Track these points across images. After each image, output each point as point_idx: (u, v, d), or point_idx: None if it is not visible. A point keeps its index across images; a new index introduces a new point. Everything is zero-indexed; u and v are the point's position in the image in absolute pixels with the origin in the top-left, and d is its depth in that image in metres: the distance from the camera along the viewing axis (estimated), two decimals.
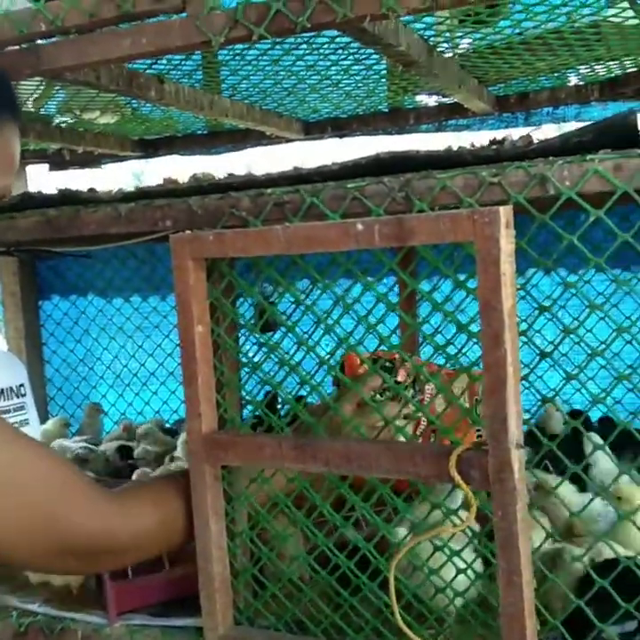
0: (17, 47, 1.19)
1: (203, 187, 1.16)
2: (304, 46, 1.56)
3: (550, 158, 0.93)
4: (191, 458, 1.08)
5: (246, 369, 1.16)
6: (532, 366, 1.07)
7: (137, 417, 2.40)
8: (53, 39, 1.17)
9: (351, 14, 0.96)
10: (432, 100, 1.96)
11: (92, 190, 1.30)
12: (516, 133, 2.14)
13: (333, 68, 1.69)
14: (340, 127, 2.12)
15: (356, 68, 1.68)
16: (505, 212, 0.85)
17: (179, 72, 1.63)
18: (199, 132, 2.26)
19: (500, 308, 0.85)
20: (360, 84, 1.82)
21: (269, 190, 1.08)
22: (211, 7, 1.05)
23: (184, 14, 1.08)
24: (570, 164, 0.91)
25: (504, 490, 0.88)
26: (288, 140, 2.20)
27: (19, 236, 1.24)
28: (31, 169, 2.46)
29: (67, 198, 1.21)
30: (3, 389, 2.14)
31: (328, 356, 1.12)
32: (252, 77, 1.70)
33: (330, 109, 2.06)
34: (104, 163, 2.49)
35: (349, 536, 1.10)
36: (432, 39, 1.37)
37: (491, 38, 1.42)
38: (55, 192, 1.24)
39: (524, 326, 1.17)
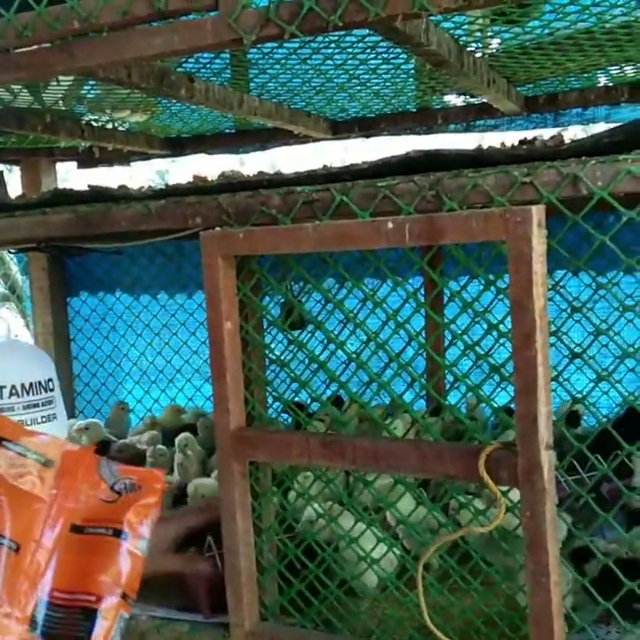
0: (49, 45, 1.20)
1: (232, 184, 1.16)
2: (333, 45, 1.56)
3: (582, 158, 0.93)
4: (219, 454, 1.09)
5: (273, 366, 1.16)
6: (560, 368, 1.06)
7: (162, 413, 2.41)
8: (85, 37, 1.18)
9: (383, 13, 0.96)
10: (460, 100, 1.95)
11: (122, 187, 1.31)
12: (544, 134, 2.13)
13: (362, 67, 1.69)
14: (367, 127, 2.11)
15: (384, 67, 1.67)
16: (537, 212, 0.85)
17: (207, 71, 1.64)
18: (227, 131, 2.27)
19: (532, 308, 0.85)
20: (388, 84, 1.82)
21: (299, 188, 1.08)
22: (243, 5, 1.05)
23: (216, 12, 1.08)
24: (602, 164, 0.90)
25: (533, 490, 0.88)
26: (315, 140, 2.20)
27: (50, 231, 1.25)
28: (60, 166, 2.49)
29: (98, 195, 1.22)
30: (31, 383, 2.16)
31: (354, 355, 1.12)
32: (280, 77, 1.71)
33: (357, 109, 2.05)
34: (132, 161, 2.51)
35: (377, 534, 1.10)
36: (462, 39, 1.36)
37: (521, 38, 1.41)
38: (86, 188, 1.25)
39: (553, 328, 1.16)
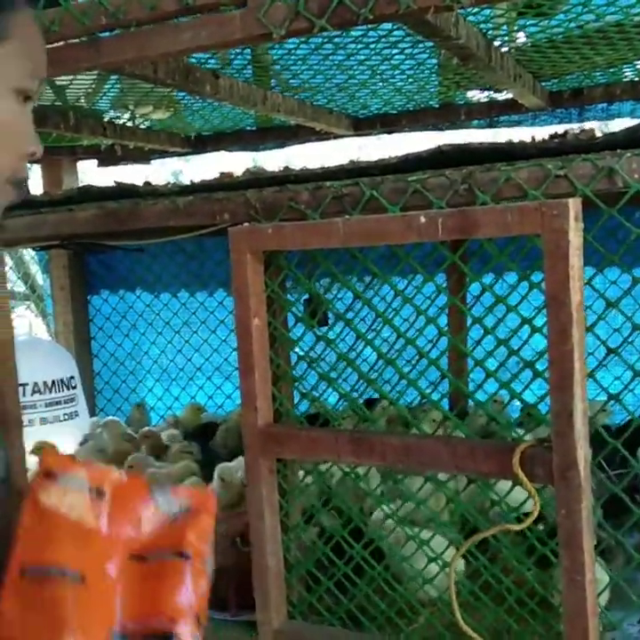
0: (77, 40, 1.19)
1: (259, 179, 1.16)
2: (356, 42, 1.56)
3: (617, 151, 0.92)
4: (247, 451, 1.08)
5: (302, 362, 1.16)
6: (599, 362, 1.05)
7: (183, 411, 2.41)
8: (114, 32, 1.18)
9: (414, 6, 0.95)
10: (484, 96, 1.94)
11: (148, 183, 1.31)
12: (569, 129, 2.11)
13: (385, 63, 1.68)
14: (389, 123, 2.10)
15: (407, 63, 1.66)
16: (574, 205, 0.83)
17: (231, 69, 1.63)
18: (247, 128, 2.27)
19: (569, 303, 0.83)
20: (411, 80, 1.81)
21: (328, 183, 1.07)
22: None
23: (244, 7, 1.07)
24: (638, 156, 0.89)
25: (569, 487, 0.86)
26: (336, 137, 2.19)
27: (77, 228, 1.25)
28: (81, 165, 2.49)
29: (125, 191, 1.22)
30: (54, 381, 2.17)
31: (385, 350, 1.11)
32: (302, 74, 1.70)
33: (379, 105, 2.04)
34: (153, 158, 2.51)
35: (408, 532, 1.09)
36: (490, 33, 1.35)
37: (550, 32, 1.40)
38: (112, 185, 1.25)
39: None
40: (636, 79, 1.86)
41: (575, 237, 0.83)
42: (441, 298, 1.88)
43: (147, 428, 2.08)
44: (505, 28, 1.39)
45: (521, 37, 1.47)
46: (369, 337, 1.14)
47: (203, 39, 1.11)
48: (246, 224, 1.07)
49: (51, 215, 1.27)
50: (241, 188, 1.15)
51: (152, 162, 2.54)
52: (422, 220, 0.92)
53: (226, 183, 1.18)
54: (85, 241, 1.46)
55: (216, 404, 2.42)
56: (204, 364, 2.40)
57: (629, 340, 1.30)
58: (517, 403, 1.81)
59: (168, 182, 1.23)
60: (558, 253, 0.83)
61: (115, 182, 1.24)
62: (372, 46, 1.57)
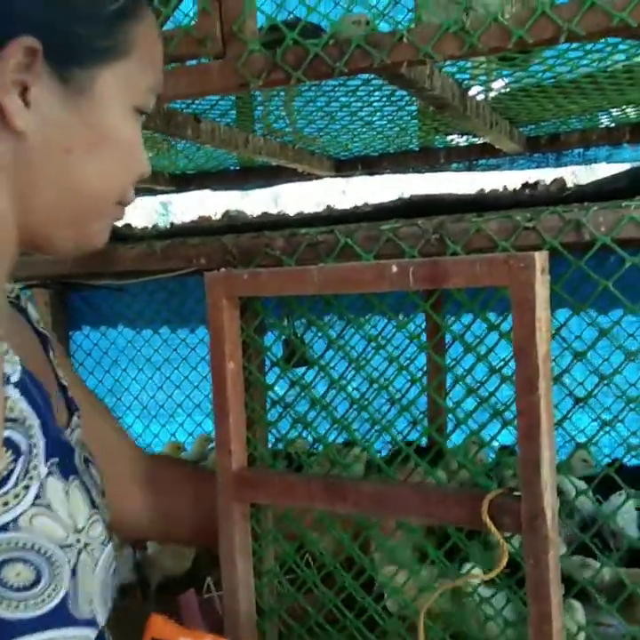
0: None
1: (237, 225, 1.17)
2: (338, 87, 1.59)
3: (585, 204, 0.94)
4: (220, 495, 1.08)
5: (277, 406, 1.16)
6: (565, 411, 1.06)
7: (163, 449, 2.41)
8: None
9: (388, 60, 0.97)
10: (463, 140, 1.97)
11: (127, 226, 1.32)
12: (546, 173, 2.15)
13: (366, 108, 1.71)
14: (370, 165, 2.13)
15: (388, 108, 1.70)
16: (540, 258, 0.85)
17: (214, 112, 1.66)
18: (231, 168, 2.29)
19: (535, 354, 0.85)
20: (391, 124, 1.84)
21: (303, 230, 1.09)
22: (250, 51, 1.07)
23: (223, 58, 1.10)
24: (605, 210, 0.91)
25: (536, 537, 0.87)
26: (318, 177, 2.22)
27: (56, 269, 1.26)
28: None
29: None
30: None
31: (357, 394, 1.12)
32: (285, 118, 1.73)
33: (360, 147, 2.08)
34: (138, 195, 2.52)
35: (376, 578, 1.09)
36: (465, 82, 1.38)
37: (524, 82, 1.43)
38: None
39: (556, 369, 1.17)
40: (612, 125, 1.90)
41: (542, 289, 0.85)
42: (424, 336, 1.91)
43: None
44: (482, 77, 1.43)
45: (497, 86, 1.51)
46: (354, 375, 1.15)
47: (182, 87, 1.13)
48: (223, 269, 1.08)
49: (31, 257, 1.27)
50: (218, 232, 1.17)
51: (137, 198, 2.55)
52: (394, 269, 0.94)
53: (203, 228, 1.20)
54: (66, 280, 1.46)
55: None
56: (185, 400, 2.40)
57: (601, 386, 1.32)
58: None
59: (146, 226, 1.25)
60: (525, 305, 0.85)
61: None
62: (354, 92, 1.60)
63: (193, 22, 1.10)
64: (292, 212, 1.43)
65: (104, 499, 0.96)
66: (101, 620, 0.87)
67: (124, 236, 1.21)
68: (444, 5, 1.06)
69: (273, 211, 1.75)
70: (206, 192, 2.58)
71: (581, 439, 2.07)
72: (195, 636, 0.92)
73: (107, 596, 0.90)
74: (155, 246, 1.16)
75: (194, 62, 1.15)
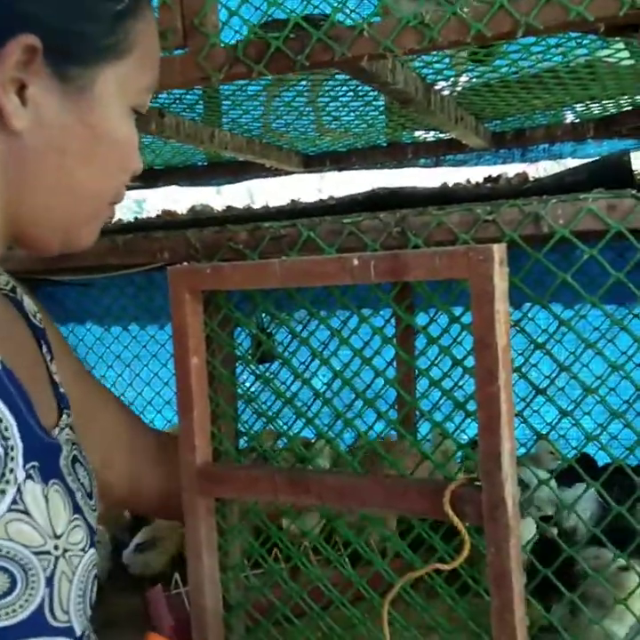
0: None
1: (200, 219, 1.17)
2: (304, 82, 1.59)
3: (544, 197, 0.95)
4: (185, 490, 1.08)
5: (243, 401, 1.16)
6: (527, 401, 1.07)
7: None
8: None
9: (349, 54, 0.98)
10: (430, 135, 1.98)
11: None
12: (512, 169, 2.16)
13: (333, 103, 1.71)
14: (338, 160, 2.14)
15: (355, 103, 1.70)
16: (499, 250, 0.86)
17: (181, 105, 1.65)
18: (199, 163, 2.28)
19: (495, 345, 0.85)
20: (359, 120, 1.84)
21: (267, 224, 1.09)
22: (211, 44, 1.06)
23: (184, 50, 1.09)
24: (564, 202, 0.92)
25: (497, 526, 0.88)
26: (287, 173, 2.22)
27: (15, 265, 1.24)
28: None
29: None
30: None
31: (325, 388, 1.12)
32: (252, 111, 1.72)
33: (329, 143, 2.08)
34: None
35: (343, 571, 1.09)
36: (430, 77, 1.39)
37: (487, 76, 1.44)
38: None
39: (520, 360, 1.18)
40: (576, 121, 1.92)
41: (500, 282, 0.86)
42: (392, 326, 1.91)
43: None
44: (446, 72, 1.43)
45: (461, 81, 1.52)
46: (319, 369, 1.15)
47: None
48: (185, 263, 1.08)
49: None
50: (182, 227, 1.16)
51: None
52: (355, 262, 0.94)
53: (167, 222, 1.19)
54: (27, 276, 1.45)
55: None
56: (154, 397, 2.39)
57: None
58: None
59: (109, 220, 1.24)
60: (484, 297, 0.85)
61: None
62: (318, 85, 1.60)
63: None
64: (260, 201, 1.43)
65: (91, 500, 0.95)
66: (78, 629, 0.85)
67: None
68: None
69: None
70: (180, 189, 2.57)
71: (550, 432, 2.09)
72: None
73: (85, 605, 0.88)
74: (117, 240, 1.15)
75: None
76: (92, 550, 0.89)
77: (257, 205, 1.78)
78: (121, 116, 0.83)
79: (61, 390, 0.98)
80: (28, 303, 1.02)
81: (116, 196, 0.90)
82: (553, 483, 1.57)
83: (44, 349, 1.00)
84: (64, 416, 0.95)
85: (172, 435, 1.20)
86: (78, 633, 0.85)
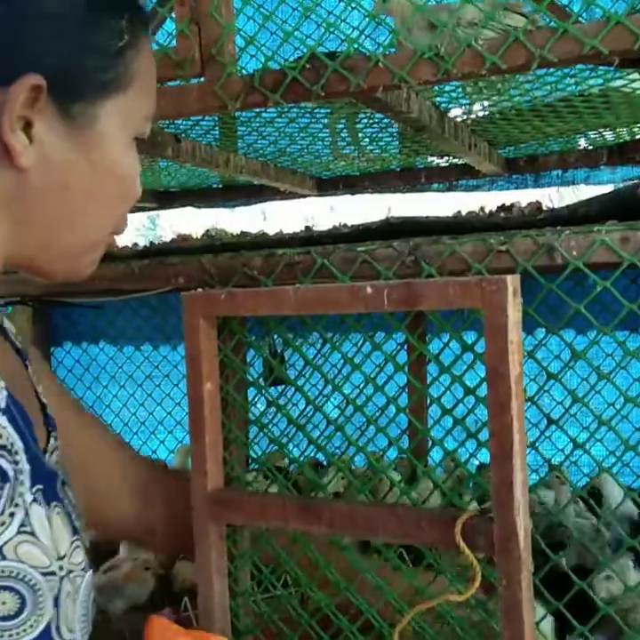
0: None
1: (215, 245, 1.18)
2: (319, 108, 1.60)
3: (558, 228, 0.95)
4: (196, 516, 1.08)
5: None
6: (540, 430, 1.07)
7: None
8: None
9: (364, 85, 0.99)
10: (443, 161, 1.99)
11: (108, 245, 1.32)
12: (525, 195, 2.17)
13: (346, 128, 1.73)
14: (351, 184, 2.15)
15: (368, 130, 1.71)
16: (512, 281, 0.86)
17: (197, 130, 1.67)
18: (214, 185, 2.30)
19: (508, 376, 0.85)
20: (373, 144, 1.86)
21: (281, 251, 1.09)
22: (228, 73, 1.08)
23: (201, 79, 1.11)
24: (577, 234, 0.92)
25: (509, 558, 0.87)
26: (300, 196, 2.23)
27: (32, 289, 1.26)
28: None
29: None
30: None
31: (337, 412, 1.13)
32: (268, 136, 1.74)
33: (342, 167, 2.09)
34: None
35: (352, 599, 1.09)
36: (444, 105, 1.40)
37: (501, 105, 1.45)
38: None
39: (534, 387, 1.17)
40: (590, 148, 1.93)
41: (514, 312, 0.86)
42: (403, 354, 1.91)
43: None
44: (461, 100, 1.44)
45: (476, 109, 1.53)
46: (332, 394, 1.15)
47: (161, 108, 1.13)
48: (200, 289, 1.09)
49: (6, 275, 1.27)
50: (197, 252, 1.17)
51: None
52: (369, 290, 0.95)
53: (181, 247, 1.20)
54: (45, 299, 1.46)
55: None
56: (166, 417, 2.39)
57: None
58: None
59: (126, 245, 1.25)
60: (497, 328, 0.86)
61: None
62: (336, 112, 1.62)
63: (172, 44, 1.11)
64: (273, 231, 1.44)
65: (81, 521, 0.96)
66: None
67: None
68: (423, 28, 1.08)
69: (261, 227, 1.76)
70: (196, 210, 2.59)
71: (561, 457, 2.08)
72: (195, 636, 0.91)
73: (88, 623, 0.89)
74: (133, 266, 1.16)
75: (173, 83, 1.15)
76: (91, 570, 0.90)
77: (270, 226, 1.79)
78: (124, 150, 0.84)
79: (48, 412, 0.99)
80: (9, 325, 1.03)
81: (117, 227, 0.91)
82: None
83: (30, 370, 1.00)
84: (52, 439, 0.96)
85: (169, 470, 1.20)
86: None
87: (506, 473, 0.87)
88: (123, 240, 1.37)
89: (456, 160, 1.95)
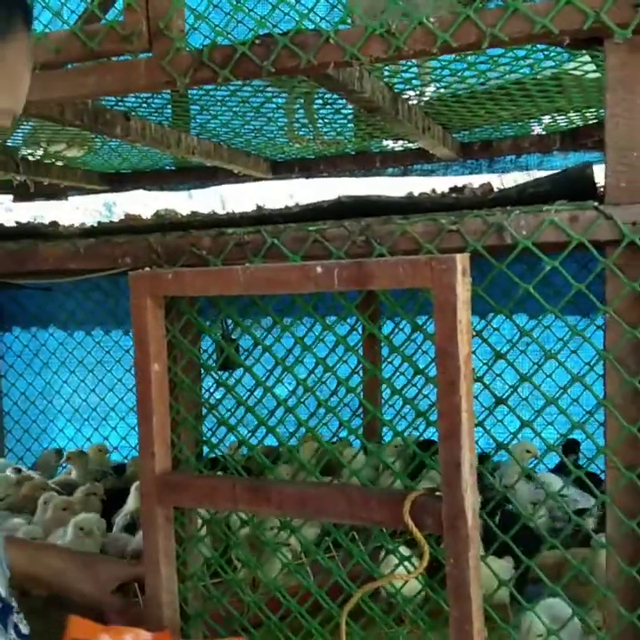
0: None
1: (164, 224, 1.15)
2: (272, 87, 1.58)
3: (508, 208, 0.95)
4: (143, 498, 1.06)
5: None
6: (489, 411, 1.07)
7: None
8: None
9: (315, 61, 0.97)
10: (398, 145, 1.99)
11: (53, 224, 1.29)
12: (479, 179, 2.18)
13: (301, 110, 1.71)
14: (306, 168, 2.13)
15: (323, 111, 1.70)
16: (461, 260, 0.85)
17: (149, 108, 1.63)
18: (167, 167, 2.27)
19: (456, 356, 0.85)
20: (327, 127, 1.84)
21: (231, 230, 1.08)
22: (177, 48, 1.05)
23: (149, 54, 1.08)
24: (526, 214, 0.92)
25: (457, 537, 0.87)
26: (256, 179, 2.21)
27: None
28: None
29: (26, 232, 1.20)
30: None
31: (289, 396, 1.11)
32: (220, 116, 1.71)
33: (297, 150, 2.07)
34: (71, 195, 2.48)
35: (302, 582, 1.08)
36: (398, 86, 1.39)
37: (454, 87, 1.45)
38: (13, 225, 1.23)
39: (484, 370, 1.18)
40: (543, 133, 1.94)
41: (463, 291, 0.85)
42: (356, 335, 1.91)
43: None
44: (414, 82, 1.44)
45: (428, 91, 1.52)
46: (286, 376, 1.14)
47: (107, 84, 1.11)
48: (147, 269, 1.06)
49: None
50: (145, 231, 1.15)
51: (70, 198, 2.51)
52: (319, 270, 0.93)
53: (130, 226, 1.18)
54: None
55: (130, 445, 2.38)
56: (118, 404, 2.36)
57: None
58: None
59: (72, 224, 1.22)
60: (446, 307, 0.85)
61: (15, 222, 1.22)
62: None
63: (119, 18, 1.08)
64: (227, 209, 1.42)
65: None
66: None
67: (46, 233, 1.18)
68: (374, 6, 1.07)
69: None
70: (150, 193, 2.54)
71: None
72: (115, 630, 0.90)
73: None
74: (78, 245, 1.14)
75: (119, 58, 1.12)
76: None
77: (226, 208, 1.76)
78: None
79: None
80: None
81: None
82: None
83: None
84: None
85: None
86: None
87: (454, 452, 0.87)
88: (69, 219, 1.34)
89: (411, 145, 1.95)
